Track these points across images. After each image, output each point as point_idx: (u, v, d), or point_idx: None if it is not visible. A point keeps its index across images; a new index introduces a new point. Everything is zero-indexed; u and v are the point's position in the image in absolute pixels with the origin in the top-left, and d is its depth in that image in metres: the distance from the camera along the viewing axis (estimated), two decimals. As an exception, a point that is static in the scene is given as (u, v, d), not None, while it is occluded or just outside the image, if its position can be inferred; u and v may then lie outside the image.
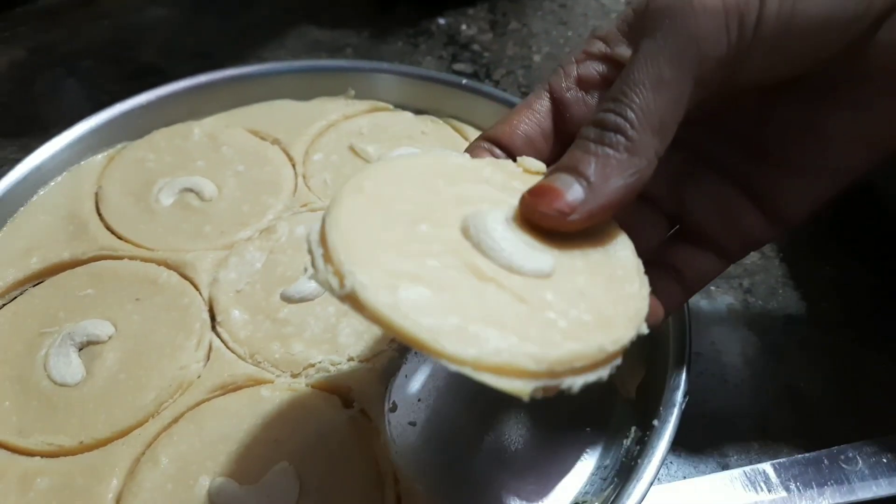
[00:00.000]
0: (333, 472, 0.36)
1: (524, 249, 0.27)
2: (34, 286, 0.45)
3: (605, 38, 0.31)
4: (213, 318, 0.43)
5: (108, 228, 0.48)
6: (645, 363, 0.42)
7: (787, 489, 0.37)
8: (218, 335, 0.42)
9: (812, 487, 0.37)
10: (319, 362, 0.40)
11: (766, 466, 0.37)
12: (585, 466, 0.39)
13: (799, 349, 0.47)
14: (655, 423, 0.36)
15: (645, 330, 0.26)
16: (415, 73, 0.59)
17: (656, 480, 0.35)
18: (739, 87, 0.29)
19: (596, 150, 0.27)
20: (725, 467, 0.41)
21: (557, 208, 0.27)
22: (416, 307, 0.23)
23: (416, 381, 0.41)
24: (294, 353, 0.41)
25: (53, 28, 0.75)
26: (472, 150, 0.32)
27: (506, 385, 0.23)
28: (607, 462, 0.39)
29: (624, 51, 0.30)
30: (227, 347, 0.41)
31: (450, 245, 0.26)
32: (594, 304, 0.26)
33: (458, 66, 0.71)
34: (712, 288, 0.50)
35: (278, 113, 0.57)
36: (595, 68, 0.31)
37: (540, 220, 0.27)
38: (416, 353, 0.41)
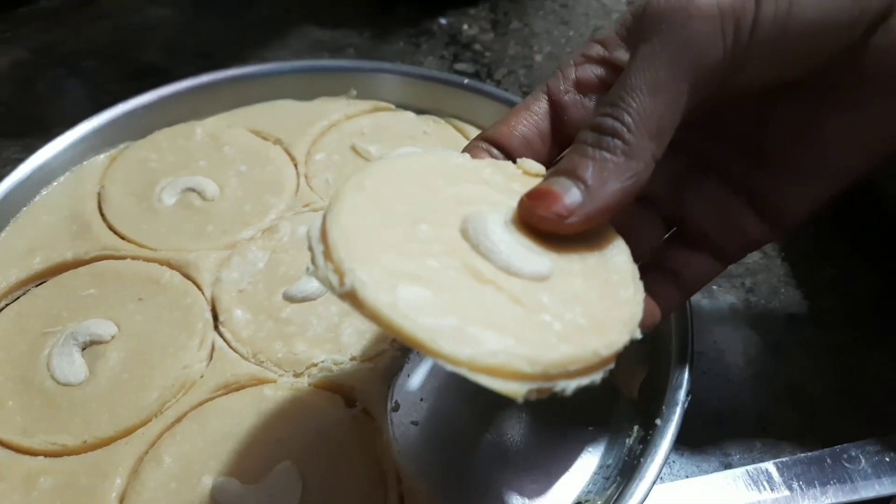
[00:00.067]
0: (336, 471, 0.36)
1: (522, 252, 0.27)
2: (37, 286, 0.45)
3: (604, 42, 0.32)
4: (215, 317, 0.43)
5: (111, 228, 0.48)
6: (647, 362, 0.42)
7: (790, 488, 0.36)
8: (221, 335, 0.42)
9: (815, 486, 0.37)
10: (322, 362, 0.40)
11: (769, 465, 0.37)
12: (588, 465, 0.39)
13: (801, 348, 0.47)
14: (658, 422, 0.36)
15: (638, 335, 0.27)
16: (416, 72, 0.59)
17: (659, 479, 0.35)
18: (736, 92, 0.29)
19: (593, 153, 0.27)
20: (728, 466, 0.41)
21: (555, 211, 0.27)
22: (415, 307, 0.23)
23: (418, 381, 0.41)
24: (297, 352, 0.41)
25: (55, 28, 0.75)
26: (471, 149, 0.32)
27: (501, 386, 0.23)
28: (610, 461, 0.39)
29: (622, 54, 0.30)
30: (230, 347, 0.41)
31: (449, 245, 0.26)
32: (589, 307, 0.26)
33: (459, 66, 0.71)
34: (714, 287, 0.50)
35: (280, 113, 0.57)
36: (593, 71, 0.31)
37: (538, 222, 0.28)
38: (417, 352, 0.41)
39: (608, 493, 0.37)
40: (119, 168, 0.52)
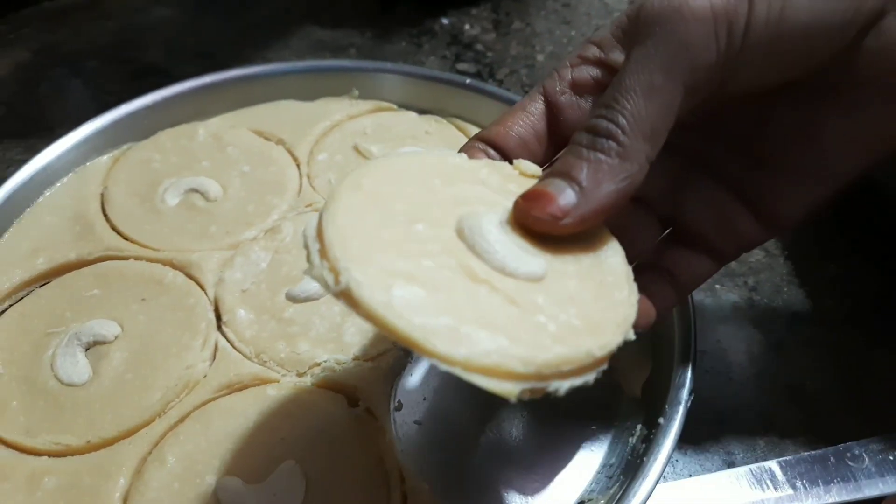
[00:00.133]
0: (339, 470, 0.36)
1: (517, 253, 0.27)
2: (41, 287, 0.45)
3: (600, 44, 0.32)
4: (218, 317, 0.43)
5: (114, 229, 0.48)
6: (650, 361, 0.42)
7: (794, 487, 0.36)
8: (224, 335, 0.42)
9: (818, 485, 0.36)
10: (325, 361, 0.40)
11: (773, 464, 0.37)
12: (591, 464, 0.39)
13: (804, 347, 0.47)
14: (661, 420, 0.36)
15: (632, 336, 0.27)
16: (418, 72, 0.59)
17: (662, 478, 0.35)
18: (733, 94, 0.29)
19: (588, 155, 0.28)
20: (731, 465, 0.41)
21: (550, 212, 0.27)
22: (410, 306, 0.23)
23: (421, 380, 0.41)
24: (299, 352, 0.41)
25: (57, 29, 0.75)
26: (467, 149, 0.32)
27: (494, 386, 0.23)
28: (613, 460, 0.39)
29: (618, 56, 0.31)
30: (233, 347, 0.41)
31: (445, 245, 0.26)
32: (584, 309, 0.26)
33: (461, 66, 0.71)
34: (717, 286, 0.50)
35: (283, 113, 0.57)
36: (589, 73, 0.32)
37: (533, 223, 0.28)
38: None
39: (611, 492, 0.36)
40: (122, 169, 0.52)
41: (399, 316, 0.23)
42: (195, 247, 0.46)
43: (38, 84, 0.69)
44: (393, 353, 0.41)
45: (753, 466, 0.37)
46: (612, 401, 0.41)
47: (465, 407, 0.40)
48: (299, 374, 0.40)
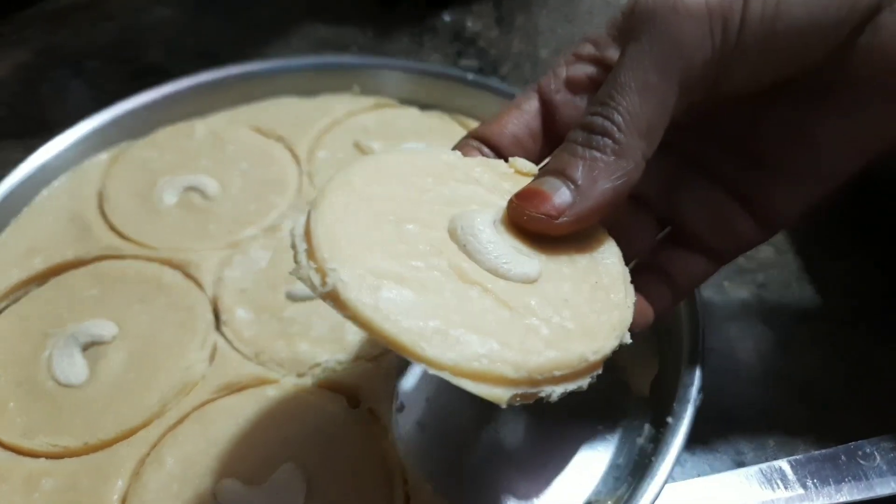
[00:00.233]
0: (341, 472, 0.36)
1: (511, 254, 0.27)
2: (38, 287, 0.45)
3: (595, 41, 0.32)
4: (217, 317, 0.42)
5: (112, 228, 0.47)
6: (658, 359, 0.41)
7: (804, 486, 0.36)
8: (223, 335, 0.42)
9: (829, 484, 0.36)
10: (325, 361, 0.40)
11: (783, 463, 0.37)
12: (598, 465, 0.38)
13: (813, 344, 0.46)
14: (669, 420, 0.36)
15: (628, 339, 0.27)
16: (420, 68, 0.58)
17: (670, 479, 0.34)
18: (728, 92, 0.29)
19: (583, 153, 0.27)
20: (741, 465, 0.40)
21: (545, 211, 0.27)
22: (398, 309, 0.23)
23: (423, 381, 0.41)
24: (300, 352, 0.40)
25: (59, 30, 0.75)
26: (462, 147, 0.32)
27: (484, 392, 0.23)
28: (620, 461, 0.38)
29: (613, 53, 0.30)
30: (233, 347, 0.41)
31: (436, 246, 0.26)
32: (578, 311, 0.26)
33: (463, 63, 0.70)
34: (725, 283, 0.50)
35: (283, 110, 0.56)
36: (584, 70, 0.32)
37: (527, 223, 0.27)
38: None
39: (619, 493, 0.36)
40: (120, 167, 0.51)
41: (386, 318, 0.23)
42: (194, 246, 0.46)
43: (39, 84, 0.68)
44: (395, 354, 0.40)
45: (763, 466, 0.37)
46: (620, 400, 0.41)
47: (469, 407, 0.40)
48: (299, 375, 0.40)
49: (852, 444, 0.37)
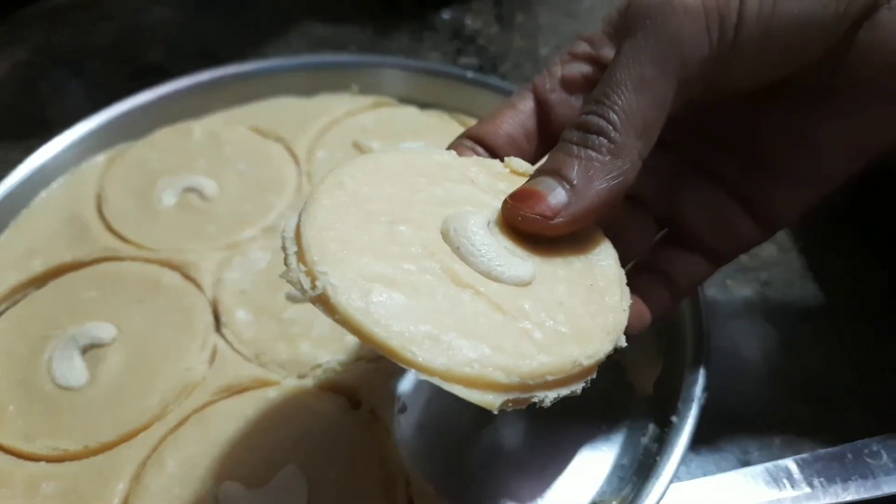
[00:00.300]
0: (343, 473, 0.36)
1: (504, 256, 0.26)
2: (37, 289, 0.44)
3: (590, 40, 0.31)
4: (217, 319, 0.42)
5: (111, 230, 0.47)
6: (661, 358, 0.41)
7: (811, 485, 0.36)
8: (223, 336, 0.41)
9: (836, 483, 0.36)
10: (326, 362, 0.40)
11: (789, 462, 0.37)
12: (602, 465, 0.38)
13: (818, 342, 0.46)
14: (674, 419, 0.36)
15: (623, 343, 0.26)
16: (419, 66, 0.58)
17: (675, 478, 0.34)
18: (727, 91, 0.29)
19: (578, 152, 0.27)
20: (746, 464, 0.40)
21: (540, 212, 0.26)
22: (389, 313, 0.23)
23: (425, 382, 0.40)
24: (300, 353, 0.40)
25: (58, 29, 0.74)
26: (456, 146, 0.31)
27: (476, 397, 0.22)
28: (625, 461, 0.38)
29: (608, 52, 0.30)
30: (233, 349, 0.41)
31: (429, 248, 0.26)
32: (572, 315, 0.26)
33: (463, 61, 0.70)
34: (728, 281, 0.49)
35: (281, 110, 0.56)
36: (579, 69, 0.31)
37: (522, 224, 0.27)
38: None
39: (624, 493, 0.36)
40: (118, 168, 0.51)
41: (376, 322, 0.22)
42: (193, 247, 0.46)
43: (38, 84, 0.68)
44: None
45: (769, 465, 0.37)
46: (624, 399, 0.41)
47: (470, 408, 0.39)
48: (300, 376, 0.40)
49: (859, 443, 0.37)
